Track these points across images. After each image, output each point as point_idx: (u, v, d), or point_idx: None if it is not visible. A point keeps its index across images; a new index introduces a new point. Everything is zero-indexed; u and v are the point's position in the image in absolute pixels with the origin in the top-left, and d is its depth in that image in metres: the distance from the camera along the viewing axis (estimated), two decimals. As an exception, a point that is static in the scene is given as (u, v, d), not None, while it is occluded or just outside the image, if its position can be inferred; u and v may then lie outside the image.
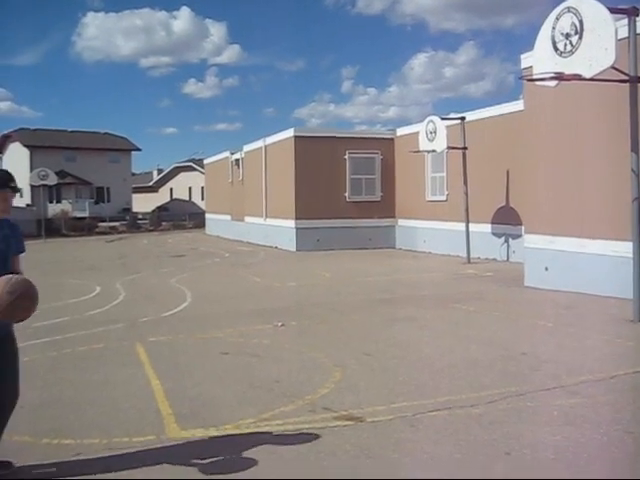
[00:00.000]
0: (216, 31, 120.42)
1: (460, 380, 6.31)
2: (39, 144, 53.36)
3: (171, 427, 5.09)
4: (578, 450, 4.47)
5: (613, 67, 8.35)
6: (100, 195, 56.88)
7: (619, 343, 7.81)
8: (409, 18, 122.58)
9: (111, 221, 45.66)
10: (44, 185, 36.78)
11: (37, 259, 23.12)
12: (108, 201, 56.96)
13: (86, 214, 49.38)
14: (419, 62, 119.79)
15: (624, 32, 8.73)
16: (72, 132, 58.32)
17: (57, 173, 40.47)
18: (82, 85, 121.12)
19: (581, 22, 8.58)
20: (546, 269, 12.32)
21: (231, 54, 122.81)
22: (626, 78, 8.75)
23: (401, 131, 23.67)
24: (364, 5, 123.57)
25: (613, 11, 8.48)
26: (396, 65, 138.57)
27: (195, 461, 4.44)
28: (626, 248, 9.31)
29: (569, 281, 11.62)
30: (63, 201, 52.39)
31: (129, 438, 4.82)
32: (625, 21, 8.86)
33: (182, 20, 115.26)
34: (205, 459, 4.48)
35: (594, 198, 11.26)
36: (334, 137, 23.48)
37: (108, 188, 57.39)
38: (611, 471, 4.19)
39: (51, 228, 37.89)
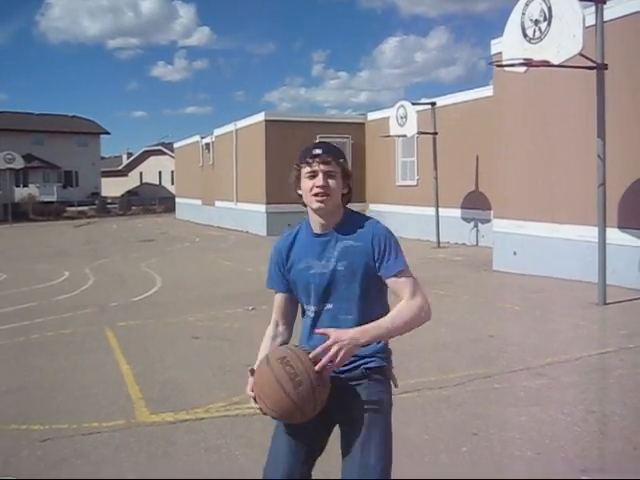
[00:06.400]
0: (185, 12, 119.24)
1: (429, 362, 6.39)
2: (5, 127, 52.14)
3: (141, 411, 5.09)
4: (543, 430, 4.57)
5: (581, 54, 8.43)
6: (68, 179, 56.00)
7: (583, 326, 7.95)
8: (380, 2, 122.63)
9: (79, 205, 45.02)
10: (10, 169, 36.23)
11: (3, 244, 22.82)
12: (76, 185, 56.10)
13: (54, 198, 48.66)
14: (390, 46, 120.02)
15: (592, 20, 8.81)
16: (39, 115, 57.20)
17: (24, 157, 39.70)
18: (48, 67, 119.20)
19: (550, 9, 8.64)
20: (514, 253, 12.47)
21: (201, 36, 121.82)
22: (593, 65, 8.86)
23: (372, 116, 23.65)
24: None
25: (581, -2, 8.57)
26: (367, 49, 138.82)
27: (165, 445, 4.45)
28: (593, 233, 9.46)
29: (537, 265, 11.78)
30: (30, 185, 51.42)
31: (99, 423, 4.81)
32: (593, 9, 8.95)
33: (150, 1, 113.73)
34: (175, 443, 4.50)
35: (563, 183, 11.39)
36: (305, 121, 23.35)
37: (76, 172, 56.52)
38: (574, 450, 4.29)
39: (18, 212, 37.36)
